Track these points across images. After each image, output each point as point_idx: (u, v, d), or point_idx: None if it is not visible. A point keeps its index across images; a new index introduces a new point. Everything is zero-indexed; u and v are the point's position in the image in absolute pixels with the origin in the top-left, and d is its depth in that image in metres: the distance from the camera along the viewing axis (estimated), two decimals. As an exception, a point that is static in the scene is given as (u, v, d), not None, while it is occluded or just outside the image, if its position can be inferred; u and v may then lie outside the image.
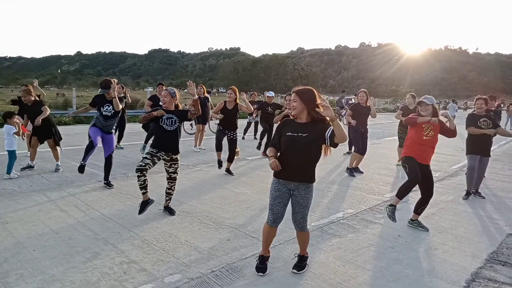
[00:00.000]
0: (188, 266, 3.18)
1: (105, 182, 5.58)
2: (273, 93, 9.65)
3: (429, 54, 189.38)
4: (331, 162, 7.85)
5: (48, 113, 6.31)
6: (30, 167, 6.48)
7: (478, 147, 5.50)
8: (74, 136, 10.20)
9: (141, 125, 7.60)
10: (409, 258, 3.53)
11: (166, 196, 4.56)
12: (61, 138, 6.66)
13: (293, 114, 3.04)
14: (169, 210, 4.53)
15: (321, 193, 5.63)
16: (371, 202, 5.31)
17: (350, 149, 8.15)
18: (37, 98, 6.53)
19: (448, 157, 9.24)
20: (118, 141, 8.93)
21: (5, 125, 5.90)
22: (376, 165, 7.99)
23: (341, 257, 3.49)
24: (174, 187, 4.54)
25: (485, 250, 3.79)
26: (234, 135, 6.58)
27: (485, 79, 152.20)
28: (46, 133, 6.40)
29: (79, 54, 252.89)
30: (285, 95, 6.96)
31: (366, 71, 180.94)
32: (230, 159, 6.65)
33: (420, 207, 4.31)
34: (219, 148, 6.62)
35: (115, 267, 3.13)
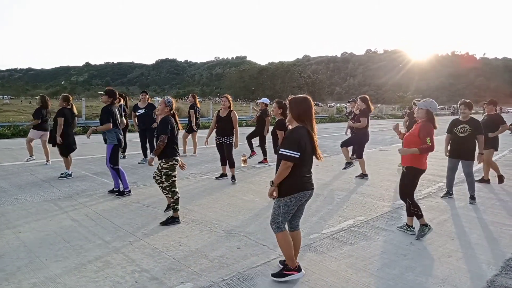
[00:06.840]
0: (199, 275, 3.17)
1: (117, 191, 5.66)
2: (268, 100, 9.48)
3: (436, 60, 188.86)
4: (334, 169, 7.80)
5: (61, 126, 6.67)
6: (67, 175, 6.71)
7: (456, 151, 5.69)
8: (84, 146, 10.27)
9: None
10: (422, 266, 3.48)
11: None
12: (69, 150, 6.86)
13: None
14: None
15: (331, 200, 5.59)
16: (382, 209, 5.25)
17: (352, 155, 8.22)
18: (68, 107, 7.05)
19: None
20: (124, 151, 8.89)
21: None
22: (385, 172, 7.92)
23: (353, 265, 3.45)
24: None
25: (501, 257, 3.72)
26: (229, 140, 6.60)
27: (493, 84, 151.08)
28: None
29: (87, 65, 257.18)
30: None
31: (372, 77, 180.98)
32: (230, 165, 6.67)
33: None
34: (223, 162, 6.82)
35: (127, 276, 3.13)
